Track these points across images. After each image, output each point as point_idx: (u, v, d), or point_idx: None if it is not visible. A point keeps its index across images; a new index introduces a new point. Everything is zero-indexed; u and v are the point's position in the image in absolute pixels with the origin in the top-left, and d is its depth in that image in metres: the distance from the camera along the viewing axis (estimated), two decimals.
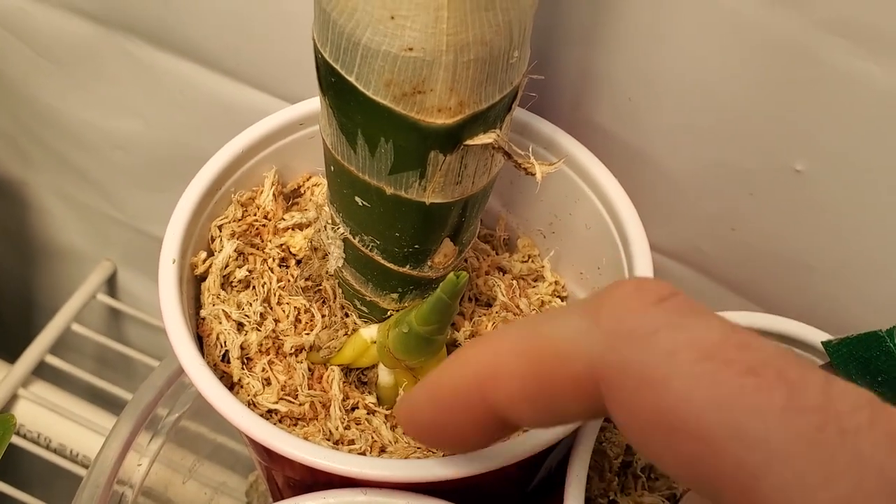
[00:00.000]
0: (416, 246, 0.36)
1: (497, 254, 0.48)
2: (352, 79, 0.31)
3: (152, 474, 0.49)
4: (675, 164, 0.48)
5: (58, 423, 0.73)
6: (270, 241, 0.43)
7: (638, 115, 0.46)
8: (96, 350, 0.82)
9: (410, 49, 0.29)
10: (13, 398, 0.73)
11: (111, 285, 0.82)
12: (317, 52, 0.32)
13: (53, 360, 0.76)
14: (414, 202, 0.34)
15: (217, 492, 0.58)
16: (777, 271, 0.49)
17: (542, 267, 0.46)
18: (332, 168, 0.35)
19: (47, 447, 0.73)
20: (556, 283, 0.47)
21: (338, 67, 0.31)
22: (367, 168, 0.33)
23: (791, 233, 0.47)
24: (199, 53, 0.57)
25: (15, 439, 0.72)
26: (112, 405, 0.76)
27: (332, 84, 0.32)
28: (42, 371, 0.76)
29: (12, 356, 0.76)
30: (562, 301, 0.45)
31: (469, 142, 0.32)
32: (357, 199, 0.35)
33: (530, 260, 0.47)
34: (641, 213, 0.51)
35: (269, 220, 0.43)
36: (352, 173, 0.34)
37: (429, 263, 0.37)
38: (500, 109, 0.33)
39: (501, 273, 0.46)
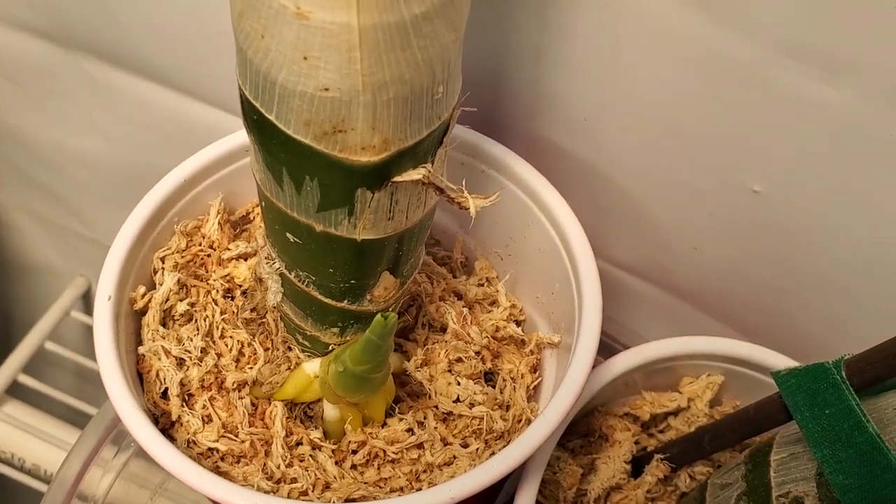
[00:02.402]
0: (353, 281, 0.35)
1: (454, 276, 0.47)
2: (272, 117, 0.30)
3: (117, 491, 0.48)
4: (634, 184, 0.47)
5: (31, 442, 0.73)
6: (215, 271, 0.42)
7: (594, 136, 0.46)
8: (73, 367, 0.81)
9: (326, 89, 0.28)
10: None
11: (86, 302, 0.82)
12: (240, 88, 0.31)
13: (27, 380, 0.76)
14: (345, 239, 0.33)
15: None
16: (739, 289, 0.48)
17: (497, 291, 0.46)
18: (263, 203, 0.34)
19: (21, 468, 0.73)
20: (513, 306, 0.46)
21: (258, 105, 0.30)
22: (295, 205, 0.32)
23: (751, 252, 0.46)
24: (155, 72, 0.56)
25: None
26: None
27: (255, 122, 0.31)
28: (16, 390, 0.75)
29: None
30: (517, 326, 0.45)
31: (398, 178, 0.31)
32: (289, 235, 0.34)
33: (487, 283, 0.47)
34: (606, 232, 0.50)
35: (215, 250, 0.42)
36: (281, 210, 0.33)
37: (368, 297, 0.36)
38: (430, 144, 0.32)
39: (457, 298, 0.45)
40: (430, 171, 0.32)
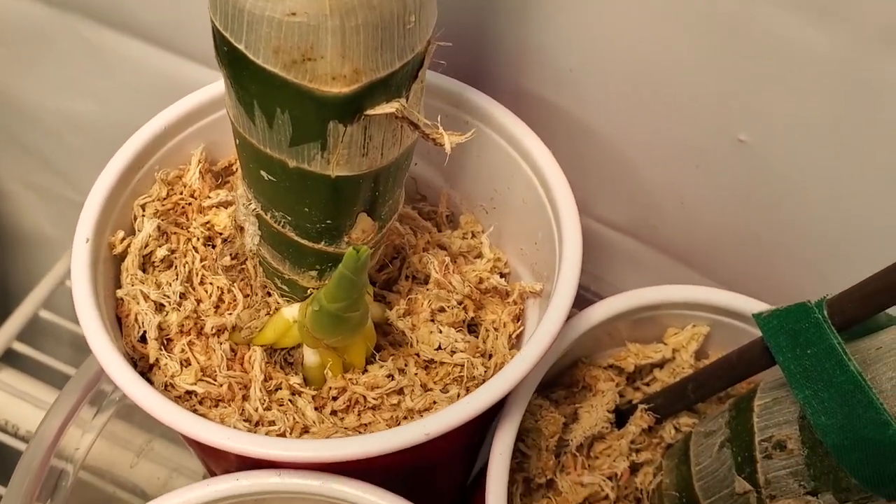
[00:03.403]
0: (329, 221, 0.35)
1: (439, 230, 0.47)
2: (241, 47, 0.29)
3: (98, 452, 0.48)
4: (619, 137, 0.47)
5: (26, 410, 0.73)
6: (195, 219, 0.42)
7: (580, 87, 0.45)
8: (67, 335, 0.81)
9: (293, 14, 0.28)
10: None
11: None
12: (211, 21, 0.31)
13: (21, 348, 0.76)
14: (319, 175, 0.33)
15: (174, 472, 0.57)
16: (726, 243, 0.48)
17: (482, 243, 0.45)
18: (238, 141, 0.34)
19: (15, 435, 0.73)
20: (498, 259, 0.45)
21: (228, 35, 0.30)
22: (268, 140, 0.32)
23: (738, 204, 0.45)
24: (148, 32, 0.56)
25: None
26: None
27: (226, 54, 0.31)
28: (10, 358, 0.75)
29: None
30: (501, 278, 0.44)
31: (370, 111, 0.31)
32: (263, 173, 0.34)
33: (472, 236, 0.46)
34: (589, 188, 0.50)
35: (195, 199, 0.42)
36: (254, 146, 0.33)
37: (346, 240, 0.36)
38: (403, 77, 0.31)
39: (441, 250, 0.45)
40: (403, 106, 0.31)
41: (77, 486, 0.49)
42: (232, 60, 0.30)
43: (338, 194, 0.34)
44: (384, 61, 0.30)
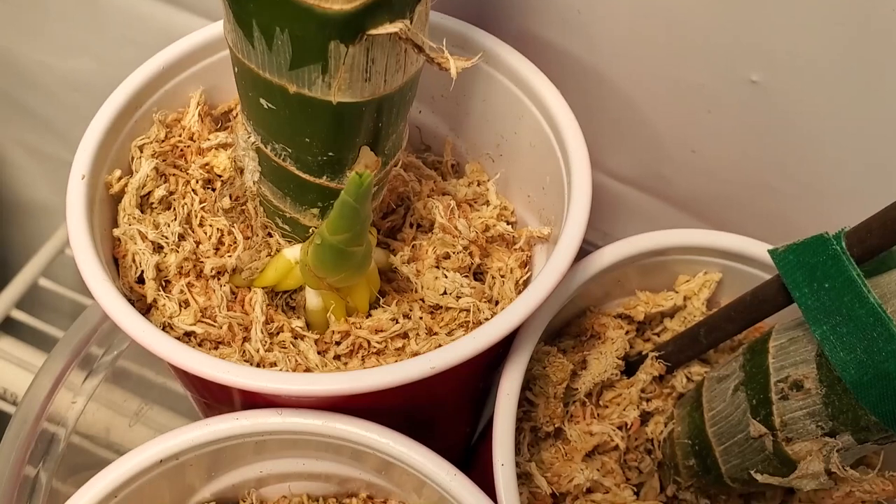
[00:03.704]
0: (331, 154, 0.34)
1: (444, 180, 0.46)
2: None
3: (91, 415, 0.47)
4: (628, 83, 0.45)
5: (24, 378, 0.72)
6: (194, 161, 0.41)
7: (588, 29, 0.44)
8: (67, 304, 0.80)
9: None
10: None
11: None
12: None
13: (20, 315, 0.75)
14: (320, 101, 0.31)
15: None
16: (738, 193, 0.47)
17: (488, 191, 0.44)
18: (237, 69, 0.33)
19: (14, 403, 0.72)
20: (504, 208, 0.44)
21: None
22: (267, 64, 0.31)
23: (751, 150, 0.44)
24: None
25: None
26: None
27: None
28: (9, 326, 0.75)
29: None
30: (508, 225, 0.43)
31: (372, 31, 0.30)
32: (262, 101, 0.33)
33: (477, 184, 0.45)
34: (598, 138, 0.48)
35: (194, 142, 0.41)
36: (253, 71, 0.32)
37: (348, 174, 0.35)
38: None
39: (446, 197, 0.44)
40: (407, 27, 0.30)
41: (69, 451, 0.48)
42: None
43: (340, 123, 0.33)
44: None
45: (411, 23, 0.31)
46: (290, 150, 0.34)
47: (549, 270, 0.35)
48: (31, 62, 0.65)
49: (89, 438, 0.48)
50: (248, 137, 0.35)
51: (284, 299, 0.39)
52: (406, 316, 0.39)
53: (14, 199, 0.82)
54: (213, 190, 0.41)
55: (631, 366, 0.43)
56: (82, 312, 0.48)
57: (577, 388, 0.41)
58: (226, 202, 0.39)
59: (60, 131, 0.71)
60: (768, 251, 0.35)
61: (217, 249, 0.39)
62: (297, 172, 0.35)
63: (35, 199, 0.81)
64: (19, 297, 0.75)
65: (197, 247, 0.38)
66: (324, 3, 0.29)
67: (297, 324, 0.38)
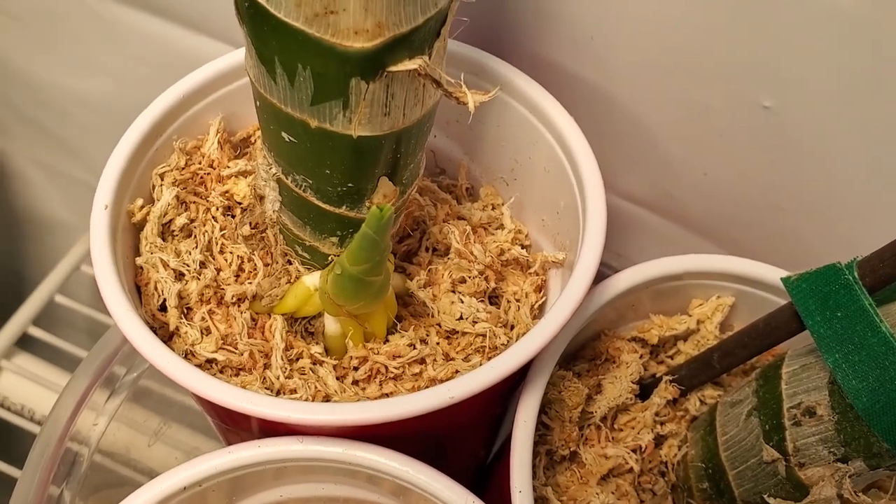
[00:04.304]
0: (350, 185, 0.34)
1: (459, 203, 0.46)
2: (262, 1, 0.29)
3: (112, 434, 0.48)
4: (641, 107, 0.46)
5: (42, 394, 0.73)
6: (214, 189, 0.41)
7: (601, 55, 0.45)
8: (83, 321, 0.81)
9: None
10: None
11: None
12: None
13: (37, 332, 0.76)
14: (340, 135, 0.32)
15: (190, 456, 0.57)
16: (749, 215, 0.47)
17: (502, 214, 0.45)
18: (258, 103, 0.34)
19: (31, 419, 0.73)
20: (519, 231, 0.45)
21: None
22: (289, 99, 0.32)
23: (763, 173, 0.45)
24: (161, 6, 0.56)
25: None
26: None
27: (247, 9, 0.30)
28: (26, 343, 0.75)
29: None
30: (523, 249, 0.44)
31: (392, 68, 0.30)
32: (284, 134, 0.33)
33: (491, 208, 0.46)
34: (610, 160, 0.49)
35: (214, 169, 0.42)
36: (275, 106, 0.32)
37: (367, 204, 0.36)
38: (426, 34, 0.31)
39: (461, 221, 0.44)
40: (426, 63, 0.31)
41: (92, 469, 0.48)
42: (253, 16, 0.30)
43: (359, 155, 0.33)
44: (407, 15, 0.29)
45: (430, 58, 0.32)
46: (310, 181, 0.35)
47: (567, 298, 0.36)
48: (46, 82, 0.66)
49: (110, 456, 0.48)
50: (270, 168, 0.36)
51: (303, 325, 0.40)
52: (423, 341, 0.39)
53: (29, 215, 0.83)
54: (233, 217, 0.41)
55: (644, 387, 0.44)
56: (105, 332, 0.49)
57: (592, 412, 0.41)
58: (246, 229, 0.40)
59: (75, 149, 0.72)
60: (781, 279, 0.36)
61: (237, 276, 0.39)
62: (317, 202, 0.35)
63: (50, 216, 0.82)
64: (36, 314, 0.76)
65: (218, 274, 0.39)
66: (346, 42, 0.29)
67: (316, 349, 0.39)
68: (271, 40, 0.30)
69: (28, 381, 0.73)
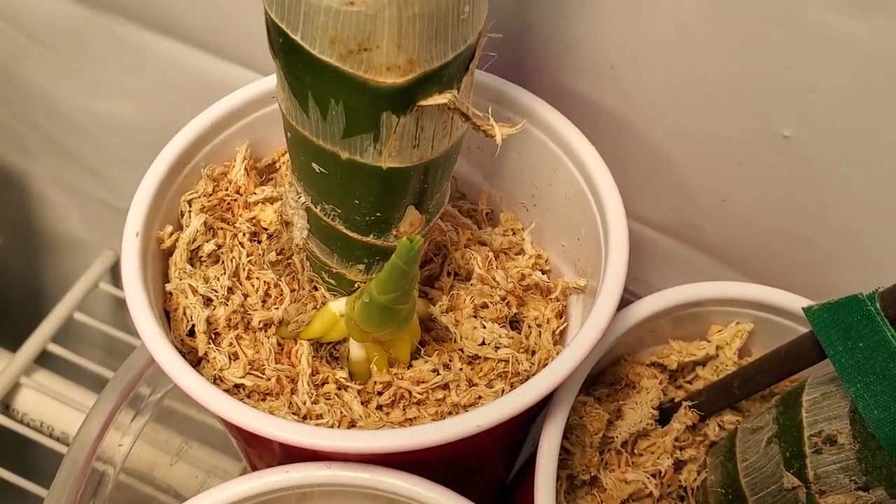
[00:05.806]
0: (378, 214, 0.35)
1: (479, 228, 0.47)
2: (297, 38, 0.30)
3: (136, 454, 0.48)
4: (661, 134, 0.47)
5: (61, 411, 0.73)
6: (241, 215, 0.42)
7: (621, 84, 0.45)
8: (101, 339, 0.82)
9: (351, 3, 0.28)
10: (15, 386, 0.73)
11: (114, 274, 0.82)
12: (266, 13, 0.31)
13: (56, 349, 0.76)
14: (370, 167, 0.33)
15: (210, 474, 0.57)
16: (768, 243, 0.47)
17: (523, 240, 0.45)
18: (289, 134, 0.34)
19: (50, 435, 0.73)
20: (539, 256, 0.45)
21: (283, 27, 0.30)
22: (321, 132, 0.32)
23: (782, 202, 0.45)
24: (184, 31, 0.56)
25: (18, 427, 0.72)
26: None
27: (281, 45, 0.31)
28: (45, 360, 0.76)
29: (15, 345, 0.76)
30: (543, 275, 0.44)
31: (423, 102, 0.31)
32: (314, 165, 0.34)
33: (512, 233, 0.46)
34: (630, 186, 0.49)
35: (241, 195, 0.43)
36: (306, 138, 0.33)
37: (394, 233, 0.36)
38: (456, 69, 0.32)
39: (482, 247, 0.45)
40: (455, 97, 0.31)
41: (117, 489, 0.49)
42: (287, 52, 0.31)
43: (388, 186, 0.34)
44: (438, 52, 0.30)
45: (458, 92, 0.32)
46: (339, 211, 0.35)
47: (591, 326, 0.36)
48: (69, 104, 0.67)
49: (134, 476, 0.49)
50: (299, 198, 0.36)
51: (328, 350, 0.41)
52: (446, 366, 0.40)
53: (50, 234, 0.84)
54: (259, 243, 0.42)
55: (664, 412, 0.44)
56: (123, 350, 0.49)
57: (612, 437, 0.42)
58: (272, 256, 0.40)
59: (96, 170, 0.73)
60: (802, 309, 0.36)
61: (264, 302, 0.40)
62: (345, 231, 0.36)
63: (70, 234, 0.83)
64: (55, 332, 0.76)
65: (245, 300, 0.40)
66: (378, 78, 0.30)
67: (341, 374, 0.39)
68: (305, 76, 0.31)
69: (47, 398, 0.73)
